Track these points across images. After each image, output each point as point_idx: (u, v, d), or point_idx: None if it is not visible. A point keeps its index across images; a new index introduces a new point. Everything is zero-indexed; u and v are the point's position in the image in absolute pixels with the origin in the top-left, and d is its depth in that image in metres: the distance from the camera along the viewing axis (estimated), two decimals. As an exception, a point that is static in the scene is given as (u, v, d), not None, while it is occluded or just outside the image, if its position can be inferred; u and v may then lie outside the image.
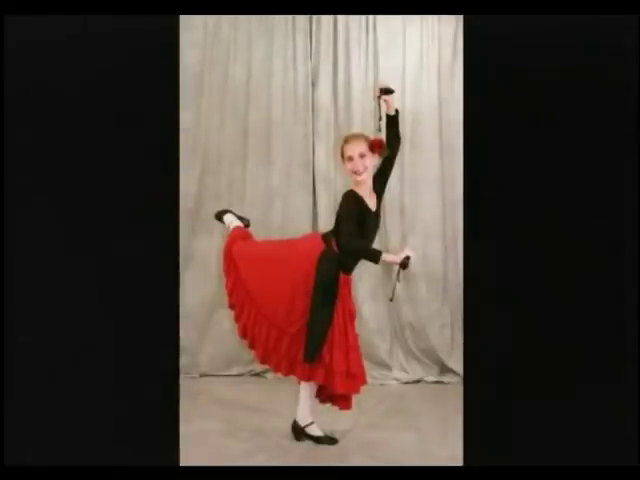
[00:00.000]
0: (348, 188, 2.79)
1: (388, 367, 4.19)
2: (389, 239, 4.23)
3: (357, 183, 2.76)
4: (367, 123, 4.10)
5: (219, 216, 3.16)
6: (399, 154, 2.98)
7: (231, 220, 3.10)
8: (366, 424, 3.12)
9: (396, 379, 4.15)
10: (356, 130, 3.63)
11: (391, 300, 2.84)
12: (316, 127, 4.24)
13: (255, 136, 4.22)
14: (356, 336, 2.83)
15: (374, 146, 2.73)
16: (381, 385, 4.05)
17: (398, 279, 2.67)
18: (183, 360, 3.94)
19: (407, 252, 2.55)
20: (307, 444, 2.71)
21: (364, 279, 4.20)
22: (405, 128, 3.93)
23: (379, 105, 2.79)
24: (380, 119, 2.82)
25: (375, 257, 2.58)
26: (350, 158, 2.74)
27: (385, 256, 2.58)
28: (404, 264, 2.52)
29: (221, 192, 4.22)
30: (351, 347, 2.73)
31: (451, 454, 2.45)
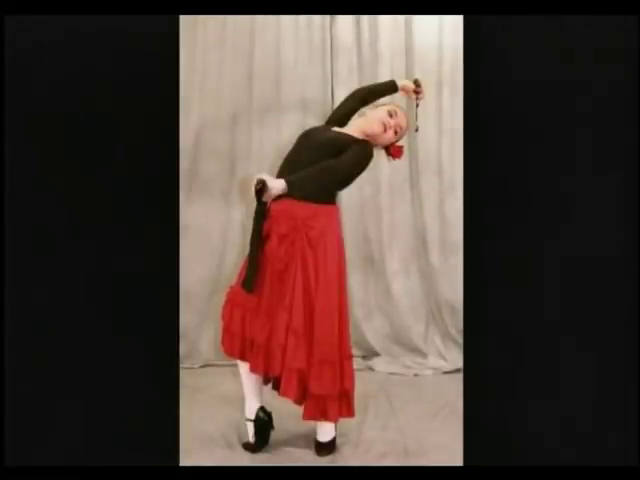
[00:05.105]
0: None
1: (423, 354, 3.63)
2: (423, 201, 3.70)
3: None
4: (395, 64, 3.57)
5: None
6: (435, 98, 3.16)
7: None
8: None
9: (433, 368, 3.55)
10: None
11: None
12: (335, 69, 3.60)
13: (262, 80, 3.56)
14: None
15: (394, 152, 2.54)
16: (415, 376, 3.50)
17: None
18: (181, 348, 3.37)
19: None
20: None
21: (395, 249, 3.68)
22: (444, 69, 3.63)
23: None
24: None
25: None
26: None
27: None
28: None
29: (221, 148, 3.58)
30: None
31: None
